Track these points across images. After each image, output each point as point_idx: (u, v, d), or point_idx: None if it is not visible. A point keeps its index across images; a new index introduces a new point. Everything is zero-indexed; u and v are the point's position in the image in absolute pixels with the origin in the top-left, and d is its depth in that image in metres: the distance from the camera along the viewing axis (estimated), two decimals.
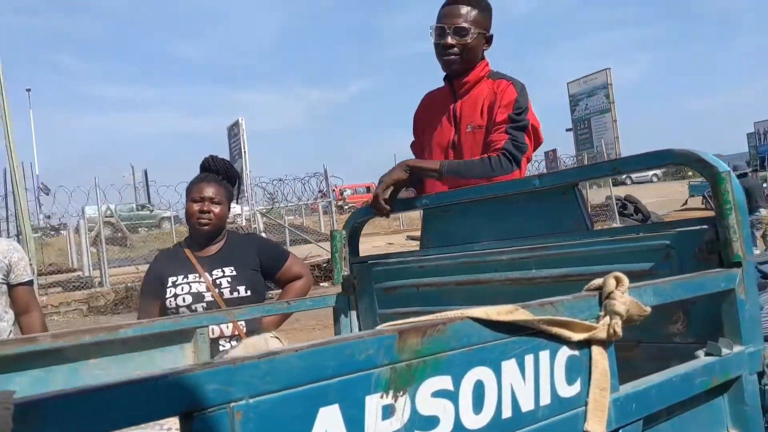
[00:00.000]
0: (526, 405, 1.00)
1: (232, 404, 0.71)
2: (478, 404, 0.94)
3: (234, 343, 2.48)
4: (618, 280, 1.14)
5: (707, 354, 1.40)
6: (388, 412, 0.84)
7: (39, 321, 2.92)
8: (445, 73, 2.55)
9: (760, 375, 1.46)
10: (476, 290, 1.98)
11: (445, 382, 0.90)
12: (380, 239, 17.04)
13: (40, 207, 20.40)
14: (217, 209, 2.61)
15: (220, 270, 2.58)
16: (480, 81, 2.47)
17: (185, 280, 2.55)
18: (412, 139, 2.71)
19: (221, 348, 2.43)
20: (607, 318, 1.11)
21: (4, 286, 2.83)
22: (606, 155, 21.44)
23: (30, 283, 2.92)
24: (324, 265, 15.17)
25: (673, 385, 1.26)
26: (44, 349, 1.71)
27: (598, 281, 1.16)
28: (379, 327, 0.89)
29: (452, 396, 0.91)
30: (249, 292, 2.58)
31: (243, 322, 2.50)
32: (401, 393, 0.85)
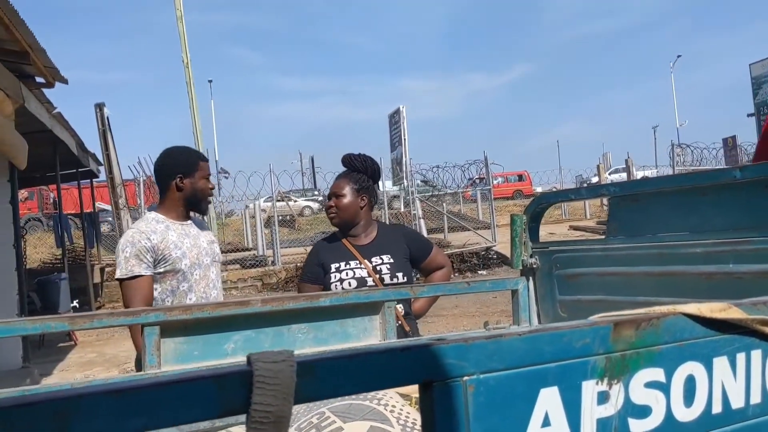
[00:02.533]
0: (737, 402, 0.99)
1: (465, 378, 0.78)
2: (689, 398, 0.95)
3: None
4: None
5: None
6: (603, 398, 0.87)
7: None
8: None
9: None
10: (666, 282, 1.94)
11: (657, 374, 0.92)
12: (541, 229, 16.71)
13: (219, 191, 22.06)
14: (341, 202, 2.81)
15: (378, 258, 2.77)
16: None
17: (348, 266, 2.75)
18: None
19: None
20: None
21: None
22: None
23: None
24: (482, 252, 15.18)
25: None
26: (255, 311, 1.91)
27: None
28: (592, 318, 0.93)
29: (664, 388, 0.93)
30: (405, 279, 2.75)
31: (401, 306, 2.69)
32: (615, 381, 0.88)
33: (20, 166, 5.57)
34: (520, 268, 2.35)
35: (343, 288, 2.69)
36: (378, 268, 2.73)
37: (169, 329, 1.86)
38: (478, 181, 19.55)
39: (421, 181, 19.15)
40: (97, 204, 15.78)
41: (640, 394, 0.90)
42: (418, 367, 0.76)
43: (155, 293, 2.66)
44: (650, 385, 0.92)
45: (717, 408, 0.97)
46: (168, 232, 2.69)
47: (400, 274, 2.73)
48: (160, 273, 2.65)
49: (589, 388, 0.86)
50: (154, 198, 17.03)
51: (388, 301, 2.13)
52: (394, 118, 24.24)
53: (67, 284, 9.79)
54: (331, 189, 2.86)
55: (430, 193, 17.66)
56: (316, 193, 29.36)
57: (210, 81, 44.04)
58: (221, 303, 1.96)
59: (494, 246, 15.30)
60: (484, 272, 14.09)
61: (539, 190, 30.56)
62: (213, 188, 2.83)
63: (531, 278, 2.35)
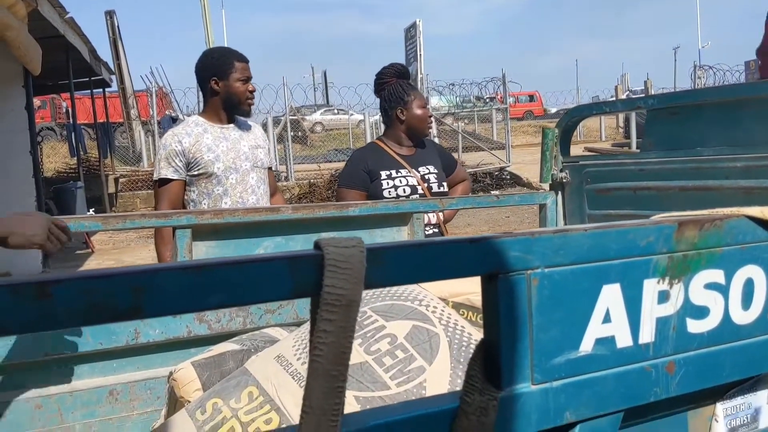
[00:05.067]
0: None
1: (529, 271, 0.76)
2: (747, 300, 0.93)
3: (436, 230, 2.73)
4: None
5: None
6: (663, 296, 0.86)
7: (283, 202, 3.15)
8: None
9: None
10: (701, 197, 1.91)
11: (717, 275, 0.91)
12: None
13: None
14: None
15: (425, 167, 2.82)
16: None
17: (400, 174, 2.76)
18: None
19: (426, 233, 2.65)
20: None
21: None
22: None
23: (272, 168, 3.05)
24: (496, 173, 15.09)
25: None
26: (286, 218, 1.91)
27: None
28: (655, 217, 0.91)
29: (723, 289, 0.91)
30: (446, 188, 2.83)
31: (441, 214, 2.75)
32: (676, 281, 0.87)
33: (34, 72, 5.48)
34: (550, 182, 2.32)
35: (398, 195, 2.73)
36: (426, 177, 2.80)
37: (201, 232, 1.87)
38: (489, 100, 19.17)
39: (475, 98, 18.80)
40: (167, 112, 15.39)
41: (699, 295, 0.89)
42: (484, 258, 0.75)
43: (193, 195, 2.68)
44: (710, 286, 0.90)
45: None
46: (204, 135, 2.67)
47: (444, 183, 2.84)
48: (194, 176, 2.65)
49: (651, 287, 0.85)
50: (166, 109, 16.93)
51: (417, 213, 2.12)
52: (410, 33, 23.60)
53: (83, 193, 9.87)
54: (425, 101, 2.92)
55: (446, 111, 17.38)
56: (330, 107, 29.06)
57: None
58: (252, 208, 1.95)
59: (508, 166, 15.20)
60: (497, 192, 14.07)
61: (553, 110, 29.97)
62: (253, 90, 2.74)
63: (560, 193, 2.33)
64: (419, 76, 20.31)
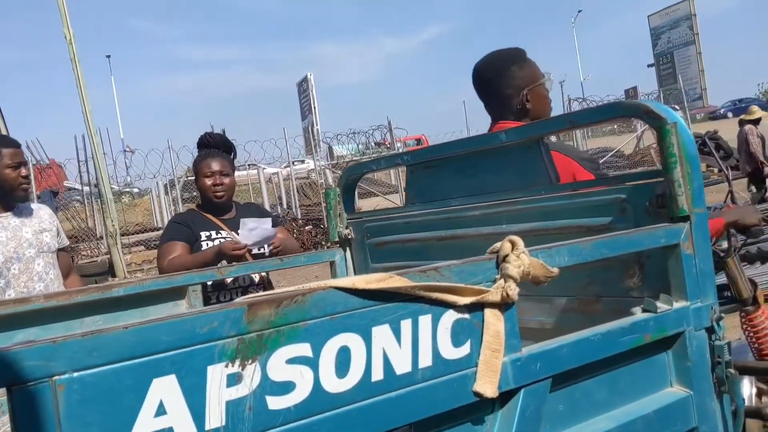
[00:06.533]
0: (402, 368, 1.02)
1: (55, 378, 0.77)
2: (342, 369, 0.97)
3: (261, 291, 2.72)
4: (513, 244, 1.13)
5: (645, 310, 1.37)
6: (234, 379, 0.88)
7: (79, 283, 3.08)
8: None
9: (710, 330, 1.42)
10: (454, 245, 1.99)
11: (303, 349, 0.94)
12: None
13: (127, 170, 21.12)
14: (227, 180, 2.88)
15: None
16: None
17: (220, 235, 2.80)
18: None
19: (249, 292, 2.69)
20: (502, 281, 1.12)
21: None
22: (683, 92, 20.39)
23: (67, 248, 3.06)
24: None
25: (591, 344, 1.24)
26: (39, 308, 1.85)
27: (497, 245, 1.16)
28: (237, 300, 0.94)
29: (311, 362, 0.94)
30: (269, 248, 2.84)
31: (266, 273, 2.78)
32: (250, 361, 0.90)
33: None
34: (337, 239, 2.37)
35: None
36: None
37: None
38: (380, 146, 19.60)
39: (375, 144, 19.03)
40: (65, 183, 14.79)
41: (281, 371, 0.92)
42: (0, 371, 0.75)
43: None
44: (294, 360, 0.93)
45: (378, 375, 1.00)
46: None
47: (265, 245, 2.83)
48: None
49: (217, 372, 0.87)
50: (46, 183, 16.30)
51: (193, 285, 2.11)
52: (303, 86, 23.82)
53: None
54: (212, 168, 2.86)
55: (335, 162, 17.59)
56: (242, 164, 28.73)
57: (108, 56, 42.24)
58: None
59: None
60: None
61: None
62: (26, 175, 2.69)
63: (348, 249, 2.38)
64: (315, 128, 20.47)
